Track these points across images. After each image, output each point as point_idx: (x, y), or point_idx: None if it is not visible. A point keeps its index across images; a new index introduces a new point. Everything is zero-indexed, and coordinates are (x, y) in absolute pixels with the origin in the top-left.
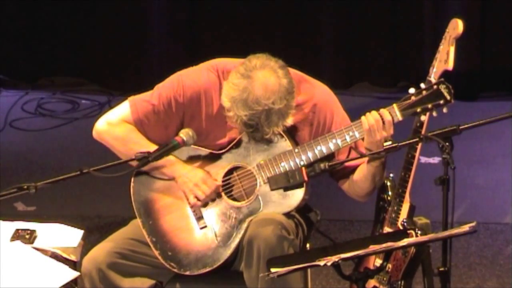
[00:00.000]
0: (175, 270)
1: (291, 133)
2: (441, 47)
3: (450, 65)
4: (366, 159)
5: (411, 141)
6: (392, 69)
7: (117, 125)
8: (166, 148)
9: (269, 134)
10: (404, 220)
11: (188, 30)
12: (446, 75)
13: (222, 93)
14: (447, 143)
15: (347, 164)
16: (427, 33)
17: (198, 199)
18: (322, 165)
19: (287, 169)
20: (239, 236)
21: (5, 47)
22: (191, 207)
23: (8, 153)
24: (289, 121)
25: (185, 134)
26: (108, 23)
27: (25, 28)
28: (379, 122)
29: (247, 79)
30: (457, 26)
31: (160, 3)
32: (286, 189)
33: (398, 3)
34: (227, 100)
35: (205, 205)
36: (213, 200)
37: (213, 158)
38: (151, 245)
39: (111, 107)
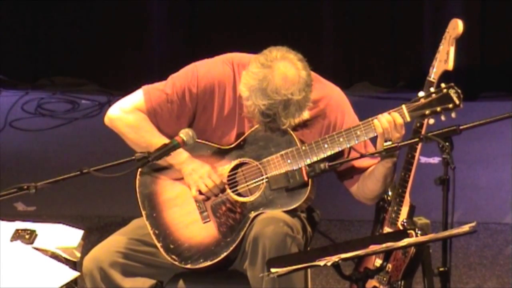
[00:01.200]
0: (176, 263)
1: (301, 130)
2: (441, 47)
3: (450, 65)
4: (375, 161)
5: (411, 141)
6: (392, 69)
7: (130, 112)
8: (166, 148)
9: (286, 125)
10: (404, 220)
11: (188, 30)
12: (446, 75)
13: (240, 82)
14: (447, 143)
15: (356, 165)
16: (427, 33)
17: (201, 192)
18: (322, 165)
19: (293, 166)
20: (243, 231)
21: (5, 47)
22: (195, 200)
23: (8, 153)
24: (306, 115)
25: (185, 134)
26: (108, 23)
27: (25, 28)
28: (391, 124)
29: (267, 69)
30: (457, 26)
31: (160, 3)
32: (287, 189)
33: (398, 3)
34: (246, 89)
35: (209, 199)
36: (217, 195)
37: (220, 153)
38: (154, 238)
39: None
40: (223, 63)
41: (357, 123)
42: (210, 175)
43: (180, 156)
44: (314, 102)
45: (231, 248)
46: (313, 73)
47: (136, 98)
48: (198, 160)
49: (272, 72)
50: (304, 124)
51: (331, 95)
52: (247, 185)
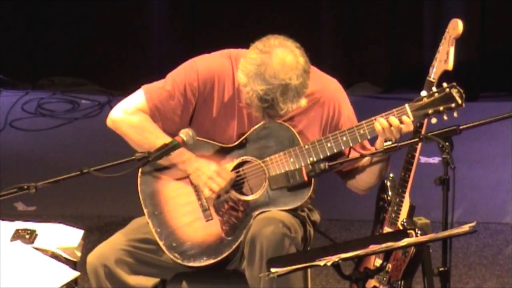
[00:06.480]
0: (179, 261)
1: (301, 123)
2: (441, 47)
3: (450, 65)
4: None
5: (411, 141)
6: (392, 69)
7: (132, 113)
8: (166, 148)
9: (283, 110)
10: (404, 220)
11: (188, 30)
12: (446, 75)
13: (238, 69)
14: (447, 143)
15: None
16: (427, 33)
17: (213, 191)
18: (322, 165)
19: (296, 165)
20: (245, 230)
21: (5, 47)
22: (198, 199)
23: (8, 153)
24: (303, 102)
25: (185, 134)
26: (108, 23)
27: (25, 28)
28: (392, 125)
29: (265, 54)
30: (457, 26)
31: (160, 3)
32: (288, 188)
33: (398, 3)
34: (244, 76)
35: (220, 197)
36: (228, 192)
37: (222, 151)
38: (156, 236)
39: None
40: (222, 57)
41: (353, 114)
42: (219, 174)
43: (183, 156)
44: (311, 94)
45: (234, 247)
46: (310, 66)
47: (138, 99)
48: (203, 159)
49: (270, 58)
50: (303, 117)
51: (327, 87)
52: (251, 184)
